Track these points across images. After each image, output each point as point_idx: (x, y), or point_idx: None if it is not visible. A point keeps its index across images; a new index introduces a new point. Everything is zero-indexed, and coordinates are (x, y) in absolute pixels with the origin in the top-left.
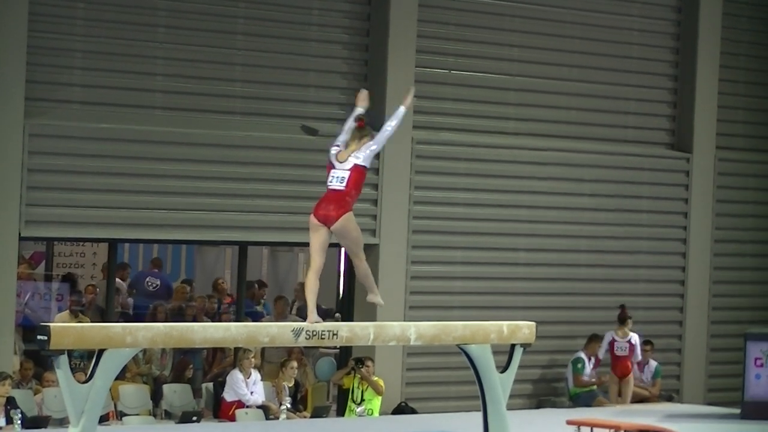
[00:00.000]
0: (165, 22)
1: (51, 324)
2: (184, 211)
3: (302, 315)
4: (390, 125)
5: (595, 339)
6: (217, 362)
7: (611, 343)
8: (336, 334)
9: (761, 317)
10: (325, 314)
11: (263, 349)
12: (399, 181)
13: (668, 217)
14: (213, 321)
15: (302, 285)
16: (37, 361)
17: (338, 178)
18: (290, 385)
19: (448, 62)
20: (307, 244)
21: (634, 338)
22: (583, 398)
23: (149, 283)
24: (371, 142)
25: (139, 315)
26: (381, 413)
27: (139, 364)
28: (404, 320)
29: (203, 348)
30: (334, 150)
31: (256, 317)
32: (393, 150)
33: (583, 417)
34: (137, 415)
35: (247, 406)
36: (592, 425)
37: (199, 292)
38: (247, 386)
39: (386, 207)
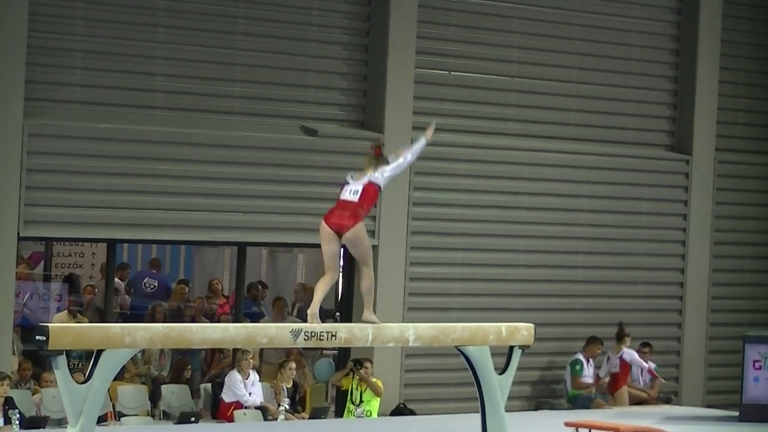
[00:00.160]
0: (165, 22)
1: (49, 324)
2: (183, 212)
3: (301, 316)
4: (408, 156)
5: (593, 341)
6: (215, 363)
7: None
8: (335, 336)
9: (760, 320)
10: (324, 315)
11: (262, 350)
12: (398, 183)
13: (668, 218)
14: (211, 322)
15: (302, 286)
16: (36, 361)
17: (352, 191)
18: (289, 386)
19: (448, 63)
20: (305, 245)
21: (627, 354)
22: (582, 400)
23: (147, 284)
24: (386, 167)
25: (137, 315)
26: (379, 414)
27: (137, 364)
28: (403, 321)
29: (202, 349)
30: (350, 174)
31: (255, 318)
32: (393, 151)
33: (582, 419)
34: (135, 415)
35: (246, 407)
36: (591, 427)
37: (198, 292)
38: (246, 387)
39: (385, 208)
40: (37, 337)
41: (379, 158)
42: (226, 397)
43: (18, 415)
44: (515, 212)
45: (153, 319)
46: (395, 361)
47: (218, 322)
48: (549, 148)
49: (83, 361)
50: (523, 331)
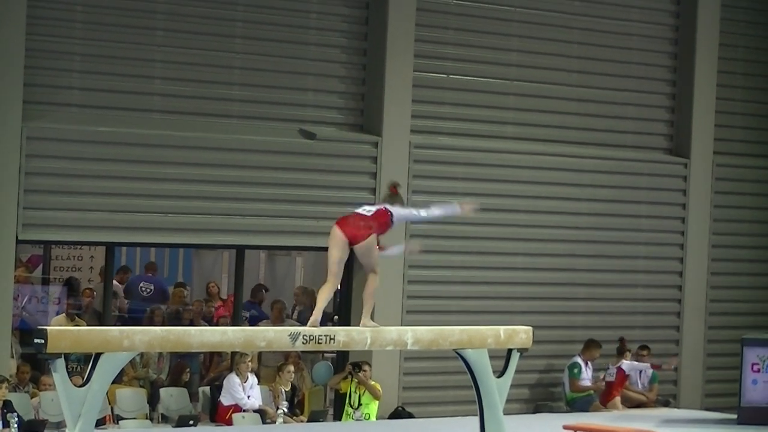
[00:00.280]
0: (163, 26)
1: (48, 327)
2: (182, 215)
3: (301, 319)
4: (423, 213)
5: (592, 344)
6: (213, 366)
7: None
8: (333, 339)
9: (758, 322)
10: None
11: (260, 353)
12: None
13: (666, 222)
14: (210, 325)
15: (302, 289)
16: (34, 364)
17: (366, 209)
18: (287, 390)
19: (447, 66)
20: (304, 248)
21: (626, 365)
22: (580, 403)
23: (143, 288)
24: (400, 207)
25: (136, 318)
26: (378, 418)
27: (136, 367)
28: (401, 325)
29: (200, 352)
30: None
31: (257, 320)
32: (390, 154)
33: (580, 422)
34: (134, 418)
35: (244, 411)
36: (589, 430)
37: (196, 295)
38: (244, 390)
39: None
40: (36, 341)
41: (395, 197)
42: (225, 400)
43: (16, 419)
44: (513, 215)
45: (152, 323)
46: (394, 364)
47: (216, 325)
48: (547, 151)
49: (82, 364)
50: (521, 334)
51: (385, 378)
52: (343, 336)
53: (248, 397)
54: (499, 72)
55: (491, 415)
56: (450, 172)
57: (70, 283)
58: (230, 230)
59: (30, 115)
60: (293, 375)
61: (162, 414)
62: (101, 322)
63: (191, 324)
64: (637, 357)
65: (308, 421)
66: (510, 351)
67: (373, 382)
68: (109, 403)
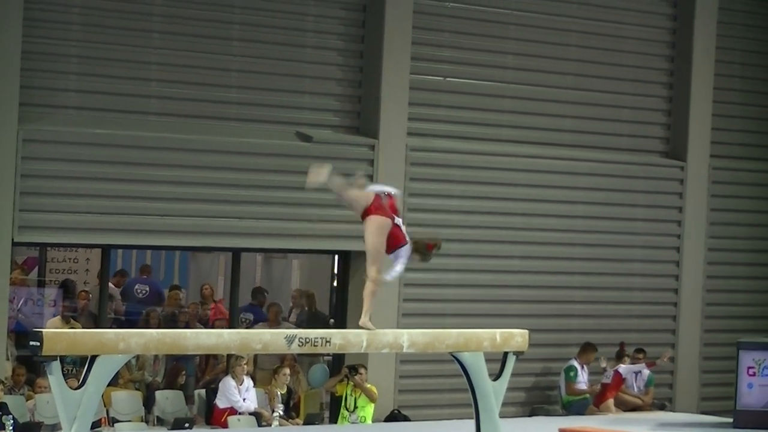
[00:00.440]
0: (160, 28)
1: (44, 330)
2: (178, 217)
3: (297, 322)
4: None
5: (588, 347)
6: (209, 369)
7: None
8: (329, 342)
9: (754, 326)
10: (320, 320)
11: (256, 356)
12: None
13: (662, 225)
14: (206, 327)
15: (299, 291)
16: (30, 366)
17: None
18: (283, 392)
19: (443, 69)
20: (300, 251)
21: (623, 368)
22: (576, 406)
23: (138, 290)
24: (398, 267)
25: (132, 321)
26: (374, 420)
27: (131, 370)
28: (397, 327)
29: (196, 354)
30: None
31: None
32: (387, 157)
33: (576, 425)
34: (129, 421)
35: (240, 413)
36: None
37: (192, 298)
38: (240, 393)
39: None
40: (31, 343)
41: (426, 255)
42: (220, 403)
43: (12, 421)
44: (510, 218)
45: (147, 325)
46: (390, 367)
47: (212, 327)
48: (544, 154)
49: (77, 367)
50: (517, 337)
51: (381, 381)
52: (339, 339)
53: (244, 399)
54: (495, 75)
55: (487, 418)
56: (446, 174)
57: (66, 286)
58: (226, 233)
59: (26, 117)
60: (289, 378)
61: (157, 417)
62: (97, 325)
63: (187, 326)
64: (633, 360)
65: (304, 424)
66: (506, 354)
67: (369, 385)
68: (105, 406)
